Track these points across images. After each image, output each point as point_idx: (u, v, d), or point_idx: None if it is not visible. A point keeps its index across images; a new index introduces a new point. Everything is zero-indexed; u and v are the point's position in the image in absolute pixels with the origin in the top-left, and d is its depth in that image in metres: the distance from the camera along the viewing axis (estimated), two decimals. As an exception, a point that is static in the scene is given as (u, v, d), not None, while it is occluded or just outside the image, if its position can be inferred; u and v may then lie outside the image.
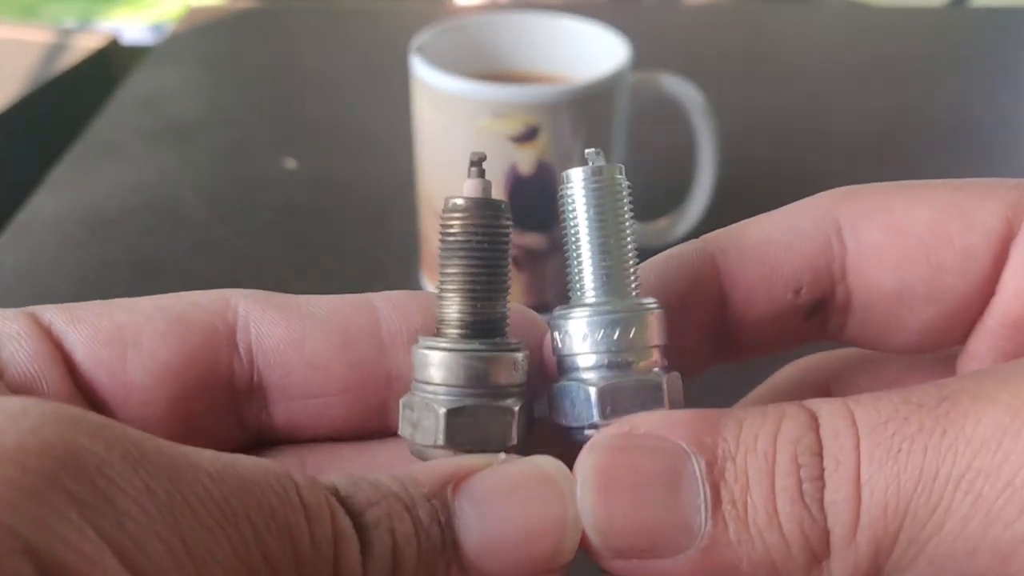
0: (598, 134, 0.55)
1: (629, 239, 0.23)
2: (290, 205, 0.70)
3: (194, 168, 0.75)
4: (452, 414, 0.22)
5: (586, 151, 0.23)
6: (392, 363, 0.24)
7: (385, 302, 0.25)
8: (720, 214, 0.59)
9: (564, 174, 0.23)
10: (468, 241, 0.22)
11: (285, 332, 0.24)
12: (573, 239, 0.23)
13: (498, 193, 0.55)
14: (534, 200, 0.54)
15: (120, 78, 0.90)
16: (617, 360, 0.22)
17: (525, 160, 0.53)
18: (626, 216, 0.23)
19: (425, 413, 0.22)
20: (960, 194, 0.23)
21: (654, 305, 0.22)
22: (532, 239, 0.55)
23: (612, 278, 0.22)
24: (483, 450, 0.21)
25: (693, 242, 0.25)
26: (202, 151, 0.78)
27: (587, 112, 0.54)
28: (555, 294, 0.57)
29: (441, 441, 0.22)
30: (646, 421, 0.21)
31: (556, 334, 0.23)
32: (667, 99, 0.58)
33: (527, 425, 0.23)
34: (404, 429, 0.22)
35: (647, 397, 0.21)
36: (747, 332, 0.25)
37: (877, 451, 0.19)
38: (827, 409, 0.20)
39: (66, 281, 0.62)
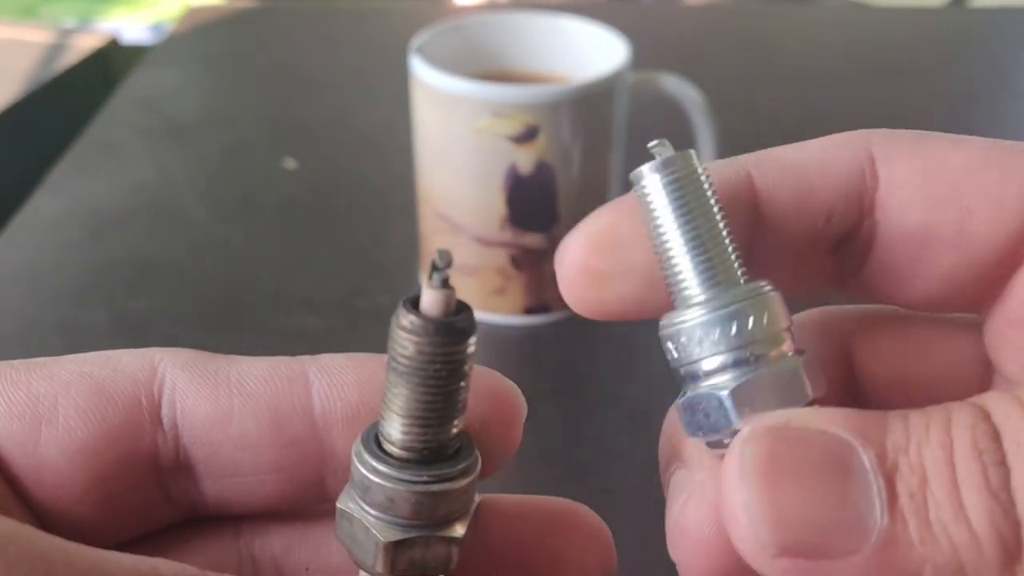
0: (598, 134, 0.55)
1: (722, 224, 0.21)
2: (290, 205, 0.70)
3: (194, 168, 0.75)
4: (395, 546, 0.20)
5: (649, 145, 0.21)
6: (325, 442, 0.22)
7: (320, 375, 0.23)
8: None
9: (633, 174, 0.21)
10: (423, 369, 0.19)
11: (212, 408, 0.22)
12: (663, 239, 0.21)
13: (498, 194, 0.55)
14: (534, 200, 0.54)
15: (120, 78, 0.90)
16: (744, 356, 0.20)
17: (525, 160, 0.53)
18: (712, 201, 0.21)
19: (365, 535, 0.20)
20: (997, 147, 0.22)
21: (769, 287, 0.21)
22: (532, 239, 0.55)
23: (716, 269, 0.21)
24: (423, 574, 0.20)
25: (726, 160, 0.23)
26: (202, 151, 0.78)
27: (587, 112, 0.54)
28: (554, 295, 0.57)
29: (380, 570, 0.20)
30: (801, 415, 0.19)
31: (669, 344, 0.21)
32: (667, 99, 0.58)
33: (470, 539, 0.21)
34: (341, 533, 0.21)
35: (788, 388, 0.20)
36: (774, 258, 0.23)
37: None
38: (993, 399, 0.18)
39: (66, 281, 0.62)
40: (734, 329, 0.20)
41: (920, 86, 0.89)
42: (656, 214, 0.21)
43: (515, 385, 0.23)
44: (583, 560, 0.24)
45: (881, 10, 1.15)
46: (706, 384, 0.20)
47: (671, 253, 0.21)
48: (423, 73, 0.53)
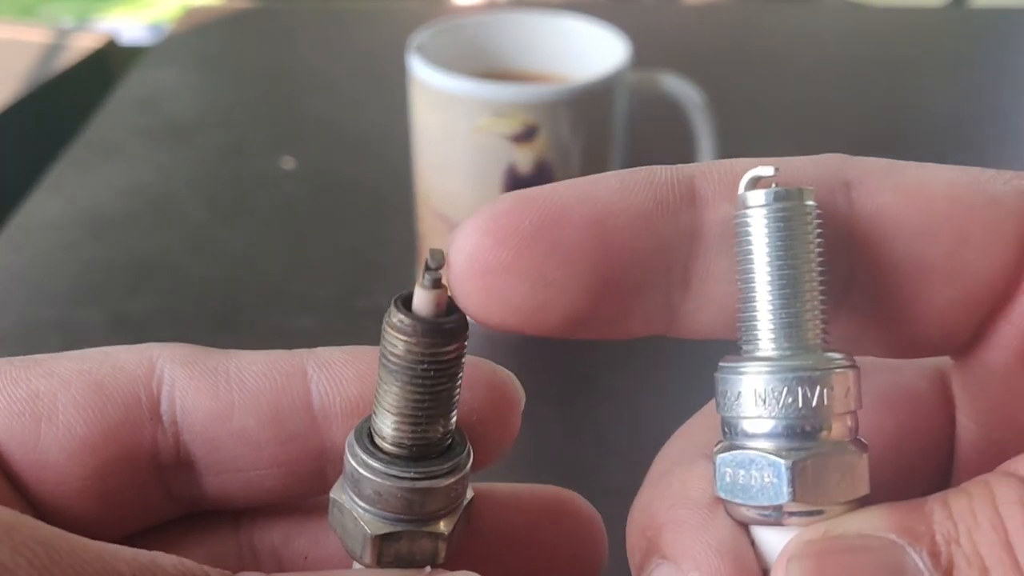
0: (597, 134, 0.55)
1: (819, 278, 0.19)
2: (288, 205, 0.70)
3: (192, 168, 0.75)
4: (382, 539, 0.20)
5: (759, 169, 0.19)
6: (325, 437, 0.22)
7: (318, 369, 0.22)
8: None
9: (740, 196, 0.19)
10: (411, 368, 0.19)
11: (212, 404, 0.22)
12: (748, 277, 0.19)
13: (496, 193, 0.55)
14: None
15: (118, 78, 0.90)
16: (804, 427, 0.18)
17: (524, 160, 0.53)
18: (816, 250, 0.19)
19: (354, 527, 0.20)
20: (975, 173, 0.20)
21: (848, 362, 0.19)
22: (531, 239, 0.55)
23: (797, 327, 0.19)
24: (410, 566, 0.20)
25: (667, 167, 0.20)
26: (200, 151, 0.77)
27: (586, 111, 0.53)
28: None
29: (367, 561, 0.20)
30: (838, 523, 0.18)
31: (726, 389, 0.19)
32: (666, 98, 0.58)
33: (460, 534, 0.21)
34: (333, 522, 0.21)
35: (849, 476, 0.18)
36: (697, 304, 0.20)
37: None
38: None
39: (64, 281, 0.62)
40: (804, 398, 0.18)
41: (920, 86, 0.89)
42: (749, 248, 0.19)
43: (512, 375, 0.23)
44: (575, 548, 0.24)
45: (881, 10, 1.15)
46: (760, 446, 0.18)
47: (753, 295, 0.19)
48: (422, 72, 0.53)
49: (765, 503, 0.18)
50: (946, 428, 0.23)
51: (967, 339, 0.20)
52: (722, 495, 0.19)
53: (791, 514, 0.18)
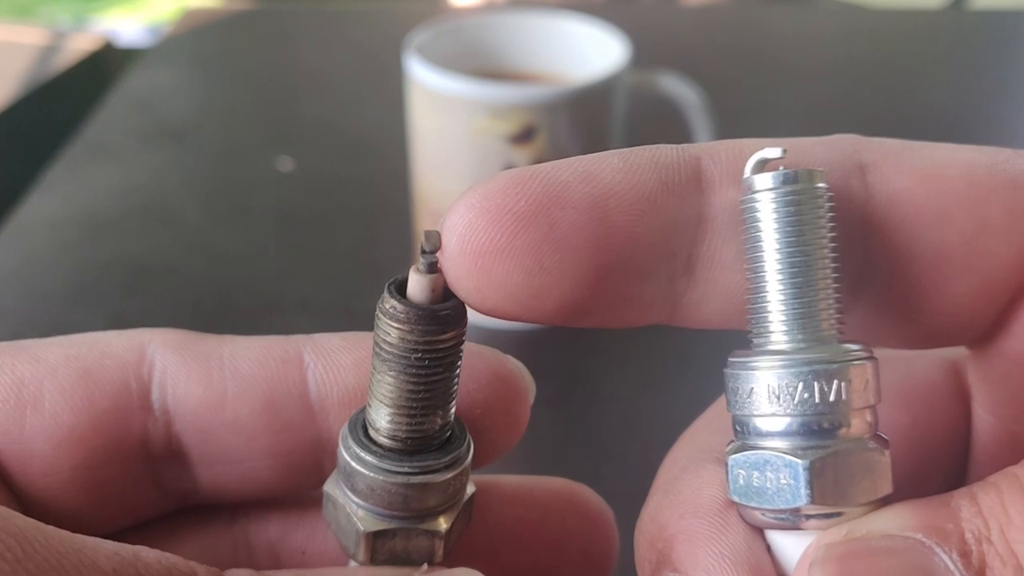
0: (596, 134, 0.55)
1: (832, 266, 0.18)
2: (286, 206, 0.70)
3: (189, 169, 0.75)
4: (375, 536, 0.19)
5: (766, 151, 0.18)
6: (322, 427, 0.22)
7: (316, 357, 0.22)
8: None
9: (747, 181, 0.18)
10: (406, 356, 0.18)
11: (205, 392, 0.21)
12: (758, 264, 0.18)
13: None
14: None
15: (115, 79, 0.89)
16: (821, 424, 0.17)
17: (522, 161, 0.53)
18: (828, 235, 0.18)
19: (348, 523, 0.20)
20: (990, 152, 0.19)
21: (866, 353, 0.18)
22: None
23: (811, 317, 0.17)
24: (406, 564, 0.20)
25: (673, 147, 0.19)
26: (197, 152, 0.77)
27: (585, 112, 0.53)
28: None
29: (361, 558, 0.20)
30: (861, 523, 0.17)
31: (737, 386, 0.18)
32: (665, 99, 0.58)
33: (460, 531, 0.20)
34: (327, 516, 0.20)
35: (870, 476, 0.17)
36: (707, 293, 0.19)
37: None
38: None
39: (60, 283, 0.62)
40: (821, 393, 0.17)
41: (919, 87, 0.89)
42: (758, 234, 0.18)
43: (521, 365, 0.22)
44: (586, 543, 0.23)
45: (880, 11, 1.15)
46: (775, 445, 0.17)
47: (764, 285, 0.18)
48: (420, 73, 0.53)
49: (782, 506, 0.17)
50: (962, 421, 0.22)
51: (986, 328, 0.19)
52: (736, 499, 0.18)
53: (809, 517, 0.17)
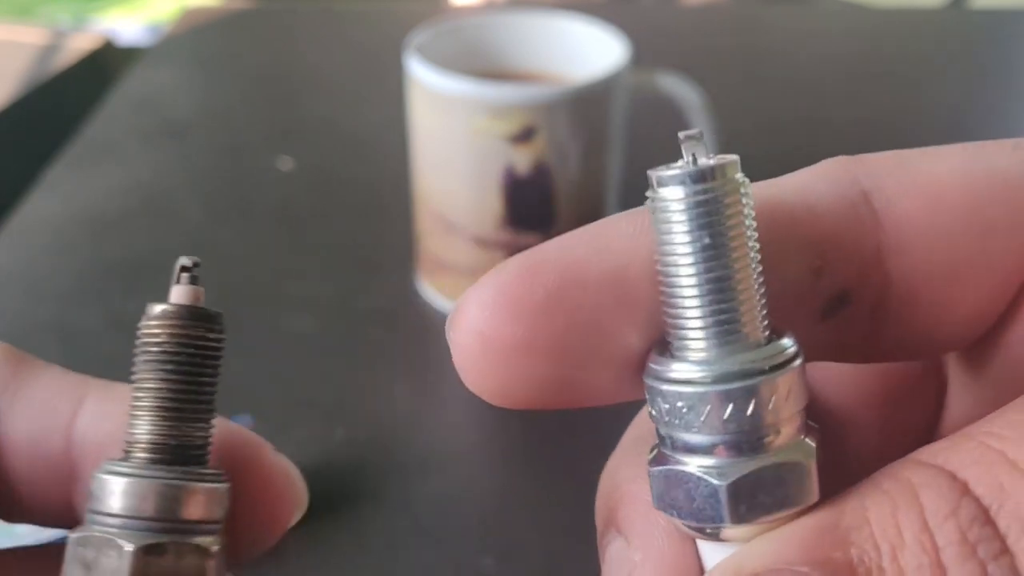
0: (596, 134, 0.55)
1: (754, 261, 0.16)
2: (286, 205, 0.70)
3: (190, 168, 0.75)
4: (142, 552, 0.18)
5: (682, 135, 0.16)
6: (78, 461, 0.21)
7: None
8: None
9: (653, 176, 0.16)
10: (172, 354, 0.19)
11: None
12: (671, 270, 0.16)
13: (495, 194, 0.55)
14: (531, 200, 0.54)
15: (115, 79, 0.89)
16: (742, 441, 0.16)
17: (522, 160, 0.53)
18: (749, 231, 0.16)
19: (105, 551, 0.18)
20: (983, 153, 0.18)
21: (791, 354, 0.16)
22: (529, 240, 0.55)
23: (732, 323, 0.16)
24: None
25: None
26: (198, 151, 0.77)
27: (585, 112, 0.53)
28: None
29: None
30: (753, 555, 0.16)
31: (655, 399, 0.17)
32: (665, 99, 0.58)
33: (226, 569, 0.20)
34: (72, 573, 0.19)
35: (793, 487, 0.16)
36: None
37: None
38: (966, 459, 0.15)
39: (61, 282, 0.62)
40: (736, 410, 0.16)
41: (919, 86, 0.89)
42: (670, 237, 0.16)
43: (290, 467, 0.21)
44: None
45: (880, 11, 1.15)
46: (694, 462, 0.16)
47: (679, 291, 0.16)
48: (420, 73, 0.53)
49: (701, 523, 0.16)
50: (936, 388, 0.22)
51: (978, 332, 0.19)
52: (657, 507, 0.17)
53: (728, 531, 0.16)
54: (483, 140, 0.52)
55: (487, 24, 0.60)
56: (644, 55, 0.60)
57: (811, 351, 0.18)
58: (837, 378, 0.22)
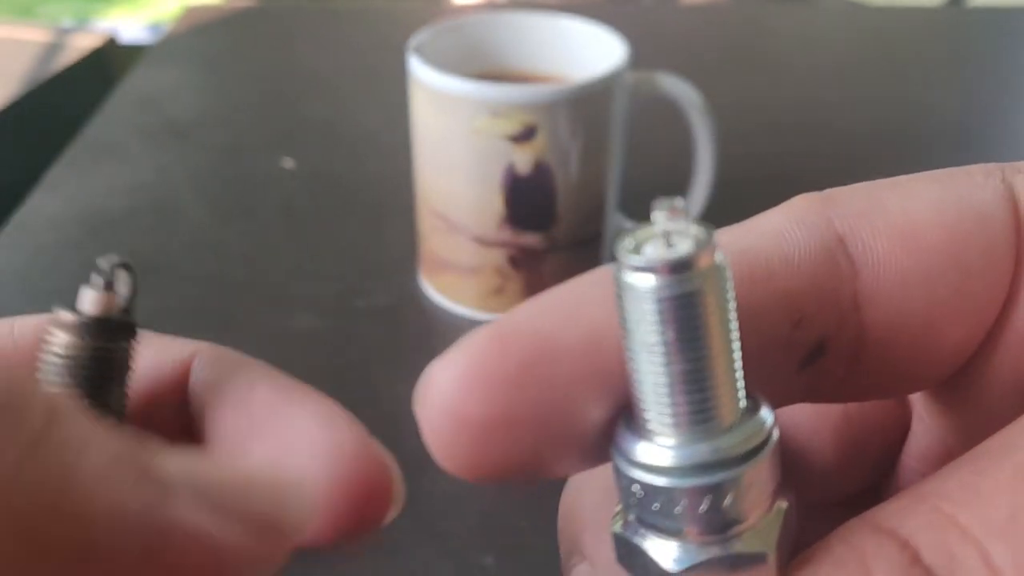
0: (596, 134, 0.55)
1: (732, 343, 0.15)
2: (288, 205, 0.70)
3: (192, 168, 0.75)
4: None
5: (657, 204, 0.14)
6: None
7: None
8: (718, 215, 0.59)
9: (621, 255, 0.14)
10: (79, 368, 0.18)
11: None
12: (640, 355, 0.15)
13: (496, 193, 0.55)
14: (532, 200, 0.54)
15: (117, 78, 0.90)
16: (704, 533, 0.15)
17: (523, 160, 0.53)
18: (727, 312, 0.15)
19: None
20: (954, 184, 0.18)
21: (768, 425, 0.15)
22: (530, 239, 0.55)
23: (705, 411, 0.15)
24: None
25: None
26: (200, 151, 0.78)
27: (585, 112, 0.54)
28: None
29: None
30: None
31: (619, 476, 0.16)
32: (665, 99, 0.58)
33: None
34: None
35: (750, 573, 0.15)
36: None
37: (1021, 555, 0.13)
38: (920, 523, 0.14)
39: (64, 281, 0.62)
40: (701, 503, 0.15)
41: (919, 86, 0.89)
42: (638, 326, 0.15)
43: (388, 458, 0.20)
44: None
45: (879, 10, 1.15)
46: (652, 542, 0.15)
47: (647, 377, 0.15)
48: (421, 73, 0.53)
49: None
50: (900, 413, 0.22)
51: (953, 369, 0.19)
52: (618, 562, 0.16)
53: None
54: (484, 140, 0.52)
55: (487, 24, 0.60)
56: (644, 55, 0.60)
57: (785, 399, 0.18)
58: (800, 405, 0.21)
